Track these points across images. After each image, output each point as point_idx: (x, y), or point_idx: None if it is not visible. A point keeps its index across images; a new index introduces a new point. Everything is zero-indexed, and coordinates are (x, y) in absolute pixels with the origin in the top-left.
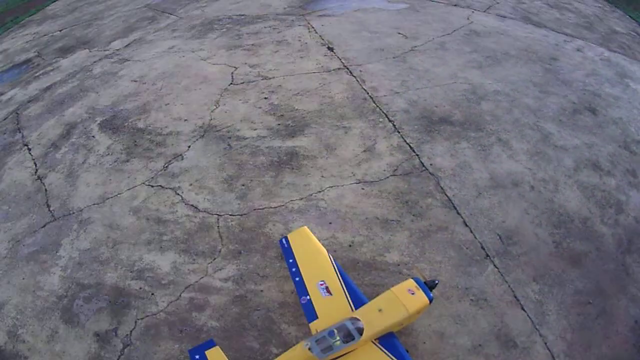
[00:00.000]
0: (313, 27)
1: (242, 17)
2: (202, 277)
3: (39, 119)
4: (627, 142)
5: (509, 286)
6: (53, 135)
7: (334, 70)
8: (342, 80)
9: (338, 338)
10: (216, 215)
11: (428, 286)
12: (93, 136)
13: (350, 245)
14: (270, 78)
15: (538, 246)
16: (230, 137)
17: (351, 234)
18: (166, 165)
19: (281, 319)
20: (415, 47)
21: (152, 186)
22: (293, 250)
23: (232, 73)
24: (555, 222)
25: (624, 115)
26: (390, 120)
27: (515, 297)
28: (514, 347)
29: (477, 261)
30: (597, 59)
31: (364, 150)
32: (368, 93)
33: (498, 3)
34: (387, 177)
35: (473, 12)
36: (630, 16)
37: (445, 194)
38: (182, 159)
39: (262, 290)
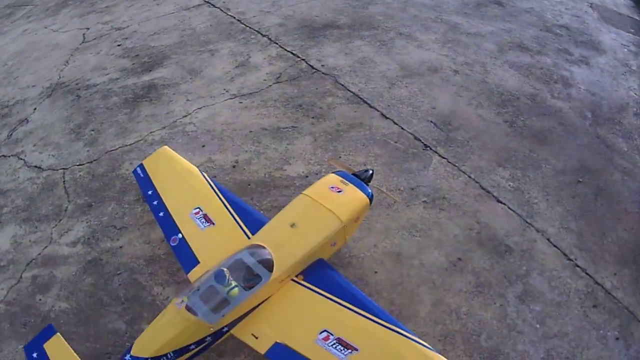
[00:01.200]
0: None
1: None
2: (45, 247)
3: None
4: (548, 26)
5: (470, 177)
6: None
7: (194, 7)
8: (204, 13)
9: (233, 283)
10: (62, 170)
11: (360, 178)
12: None
13: (234, 167)
14: (124, 28)
15: (488, 128)
16: (79, 89)
17: (233, 153)
18: (10, 133)
19: (152, 280)
20: None
21: None
22: (151, 178)
23: (83, 34)
24: (498, 102)
25: (534, 5)
26: (264, 35)
27: (483, 188)
28: (508, 252)
29: (415, 155)
30: None
31: (237, 67)
32: (235, 17)
33: None
34: (270, 86)
35: None
36: None
37: (349, 90)
38: (27, 123)
39: (121, 247)
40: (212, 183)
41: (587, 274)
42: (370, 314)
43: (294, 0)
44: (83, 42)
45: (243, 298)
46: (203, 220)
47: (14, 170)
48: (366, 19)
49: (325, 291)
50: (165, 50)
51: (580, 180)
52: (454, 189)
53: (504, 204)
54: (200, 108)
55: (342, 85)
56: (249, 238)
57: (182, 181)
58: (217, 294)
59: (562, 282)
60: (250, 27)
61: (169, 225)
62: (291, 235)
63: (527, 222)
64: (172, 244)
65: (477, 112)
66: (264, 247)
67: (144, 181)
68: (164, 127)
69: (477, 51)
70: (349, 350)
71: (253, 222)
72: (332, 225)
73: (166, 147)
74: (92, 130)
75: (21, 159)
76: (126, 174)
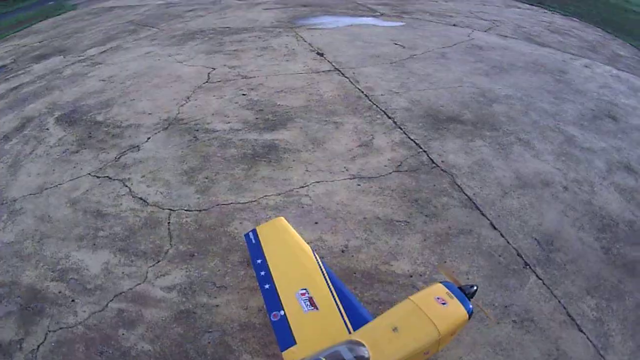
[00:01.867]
0: (302, 37)
1: (227, 29)
2: (138, 284)
3: None
4: None
5: (559, 302)
6: (7, 129)
7: (323, 72)
8: (333, 80)
9: None
10: (168, 210)
11: (464, 293)
12: (47, 128)
13: (343, 251)
14: (250, 77)
15: (585, 253)
16: (197, 130)
17: (344, 237)
18: (119, 156)
19: (242, 346)
20: (414, 55)
21: (98, 177)
22: (263, 247)
23: (209, 73)
24: (599, 226)
25: None
26: (389, 117)
27: (569, 315)
28: None
29: (515, 271)
30: (606, 75)
31: (360, 145)
32: (363, 92)
33: (498, 26)
34: (390, 173)
35: (473, 31)
36: (631, 44)
37: (464, 193)
38: (138, 150)
39: (217, 306)
40: (322, 266)
41: None
42: None
43: (423, 85)
44: (207, 82)
45: None
46: (308, 303)
47: (117, 196)
48: (489, 118)
49: None
50: (290, 112)
51: None
52: (543, 312)
53: (585, 333)
54: (319, 182)
55: (459, 186)
56: (350, 332)
57: (294, 257)
58: None
59: None
60: (377, 106)
61: (273, 300)
62: (391, 339)
63: (600, 353)
64: (273, 319)
65: (578, 235)
66: (363, 345)
67: (255, 248)
68: (280, 194)
69: (587, 168)
70: None
71: (356, 316)
72: (431, 336)
73: (282, 218)
74: (206, 178)
75: (127, 186)
76: (234, 233)
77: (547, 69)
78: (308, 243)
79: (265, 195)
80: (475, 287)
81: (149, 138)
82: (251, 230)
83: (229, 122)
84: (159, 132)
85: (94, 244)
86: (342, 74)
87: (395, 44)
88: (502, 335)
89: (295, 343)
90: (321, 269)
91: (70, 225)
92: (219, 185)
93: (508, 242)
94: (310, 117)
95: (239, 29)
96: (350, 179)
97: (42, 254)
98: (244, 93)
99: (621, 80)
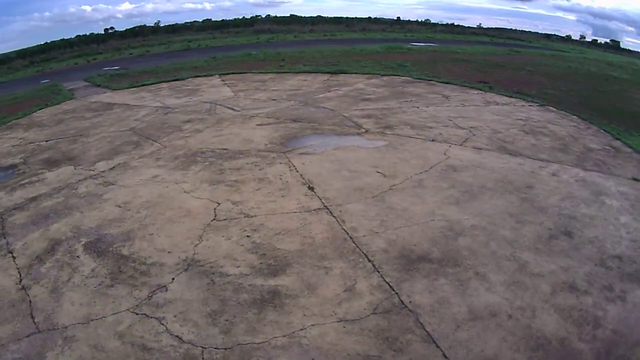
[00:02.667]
0: (294, 166)
1: (225, 151)
2: None
3: (23, 228)
4: (603, 259)
5: None
6: (38, 249)
7: (314, 210)
8: (323, 221)
9: None
10: (200, 348)
11: None
12: (78, 256)
13: None
14: (252, 216)
15: None
16: (213, 273)
17: None
18: (150, 295)
19: None
20: (394, 185)
21: (137, 314)
22: None
23: (215, 209)
24: (532, 347)
25: (599, 233)
26: (369, 260)
27: None
28: None
29: None
30: (572, 181)
31: (345, 290)
32: (348, 233)
33: (474, 135)
34: (368, 316)
35: (450, 146)
36: (604, 130)
37: (425, 329)
38: (166, 291)
39: None
40: None
41: None
42: None
43: (400, 222)
44: (214, 220)
45: None
46: None
47: (157, 332)
48: (454, 254)
49: None
50: (288, 256)
51: None
52: None
53: None
54: (314, 325)
55: (421, 324)
56: None
57: None
58: None
59: None
60: (359, 249)
61: None
62: None
63: None
64: None
65: (513, 356)
66: None
67: None
68: (285, 336)
69: (533, 294)
70: None
71: None
72: None
73: None
74: (227, 321)
75: (163, 324)
76: None
77: (515, 186)
78: None
79: (274, 337)
80: None
81: (173, 279)
82: None
83: (238, 267)
84: (180, 273)
85: None
86: (331, 212)
87: (377, 172)
88: None
89: None
90: None
91: (122, 356)
92: (237, 327)
93: None
94: (305, 262)
95: (235, 152)
96: (338, 322)
97: None
98: (248, 235)
99: (586, 185)
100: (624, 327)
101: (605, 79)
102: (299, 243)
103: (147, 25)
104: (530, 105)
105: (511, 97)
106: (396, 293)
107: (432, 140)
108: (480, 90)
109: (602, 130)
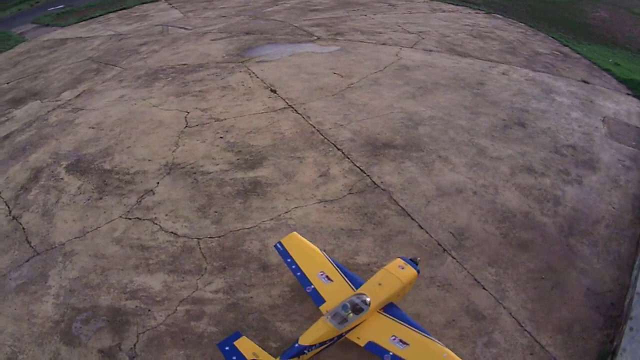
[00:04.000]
0: (254, 72)
1: (185, 66)
2: (194, 292)
3: (2, 165)
4: (557, 147)
5: (469, 272)
6: (21, 179)
7: (280, 109)
8: (289, 118)
9: (350, 311)
10: (196, 239)
11: (414, 262)
12: (62, 178)
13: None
14: (222, 120)
15: (488, 238)
16: (195, 173)
17: (322, 244)
18: (139, 200)
19: (274, 318)
20: (352, 84)
21: (130, 219)
22: (289, 251)
23: (185, 117)
24: (500, 218)
25: (552, 125)
26: (339, 149)
27: (476, 279)
28: (482, 319)
29: (437, 255)
30: (522, 80)
31: (320, 176)
32: (315, 127)
33: (423, 38)
34: (345, 196)
35: (401, 49)
36: (552, 37)
37: (399, 205)
38: (154, 194)
39: (252, 297)
40: (328, 257)
41: (531, 335)
42: (415, 328)
43: (362, 115)
44: (187, 127)
45: (354, 318)
46: (326, 278)
47: (152, 232)
48: (415, 140)
49: (394, 317)
50: (262, 151)
51: (544, 277)
52: (457, 279)
53: (487, 290)
54: (297, 207)
55: (395, 200)
56: (354, 289)
57: (310, 254)
58: (341, 315)
59: (513, 338)
60: (327, 139)
61: (304, 280)
62: (379, 289)
63: (499, 302)
64: (308, 291)
65: (483, 227)
66: (365, 295)
67: (284, 252)
68: (272, 219)
69: (494, 174)
70: (405, 345)
71: (354, 281)
72: (399, 286)
73: (295, 232)
74: (216, 212)
75: (156, 224)
76: (248, 249)
77: (467, 82)
78: None
79: (262, 221)
80: (418, 258)
81: (158, 183)
82: (277, 242)
83: (217, 164)
84: (164, 176)
85: (149, 270)
86: (296, 110)
87: (334, 73)
88: (430, 294)
89: (325, 301)
90: (327, 258)
91: (123, 258)
92: (227, 216)
93: (431, 237)
94: (279, 154)
95: (195, 66)
96: (318, 202)
97: (109, 282)
98: (221, 136)
99: (535, 83)
100: (584, 207)
101: None
102: (270, 139)
103: None
104: (476, 13)
105: (457, 4)
106: (368, 175)
107: (383, 44)
108: None
109: (550, 37)
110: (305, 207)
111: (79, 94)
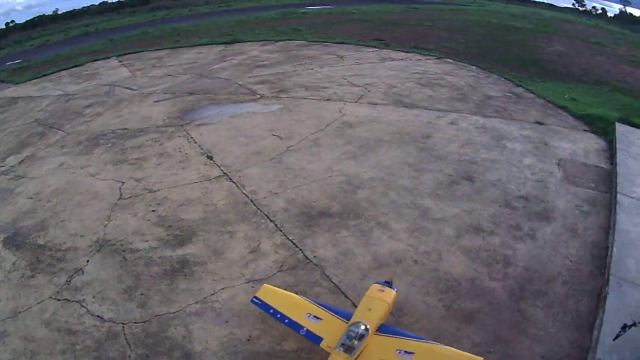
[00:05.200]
0: (192, 137)
1: (125, 130)
2: None
3: None
4: (508, 200)
5: None
6: None
7: (214, 178)
8: (223, 188)
9: (354, 339)
10: (121, 324)
11: (389, 284)
12: None
13: (248, 339)
14: (155, 191)
15: (429, 312)
16: (124, 250)
17: (248, 329)
18: (69, 279)
19: None
20: (290, 147)
21: (59, 299)
22: (268, 303)
23: (119, 188)
24: (442, 289)
25: (502, 176)
26: (271, 221)
27: None
28: None
29: None
30: (471, 128)
31: (250, 252)
32: (248, 197)
33: (369, 91)
34: (275, 274)
35: (345, 104)
36: (505, 77)
37: (332, 281)
38: (83, 273)
39: None
40: (307, 299)
41: None
42: (413, 337)
43: (298, 181)
44: (120, 198)
45: (359, 345)
46: (314, 318)
47: (79, 315)
48: (354, 206)
49: (390, 334)
50: (193, 225)
51: (491, 350)
52: None
53: None
54: (224, 288)
55: (328, 276)
56: (346, 321)
57: (290, 300)
58: (349, 345)
59: None
60: (260, 210)
61: (294, 325)
62: (370, 315)
63: None
64: (302, 334)
65: (424, 300)
66: (361, 321)
67: (264, 305)
68: (198, 302)
69: (437, 239)
70: (411, 354)
71: (343, 314)
72: (386, 307)
73: (266, 284)
74: (142, 294)
75: (84, 306)
76: (172, 336)
77: (412, 137)
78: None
79: (188, 304)
80: (391, 278)
81: (88, 261)
82: (253, 297)
83: (147, 241)
84: (94, 254)
85: (75, 356)
86: (230, 178)
87: (274, 135)
88: None
89: (322, 338)
90: (308, 300)
91: (52, 342)
92: (152, 299)
93: None
94: (210, 229)
95: (135, 131)
96: (246, 282)
97: None
98: (153, 209)
99: (485, 131)
100: (537, 264)
101: (507, 30)
102: (202, 211)
103: (46, 14)
104: (427, 59)
105: (407, 52)
106: (300, 249)
107: (327, 99)
108: (376, 47)
109: (502, 79)
110: (233, 288)
111: (23, 160)
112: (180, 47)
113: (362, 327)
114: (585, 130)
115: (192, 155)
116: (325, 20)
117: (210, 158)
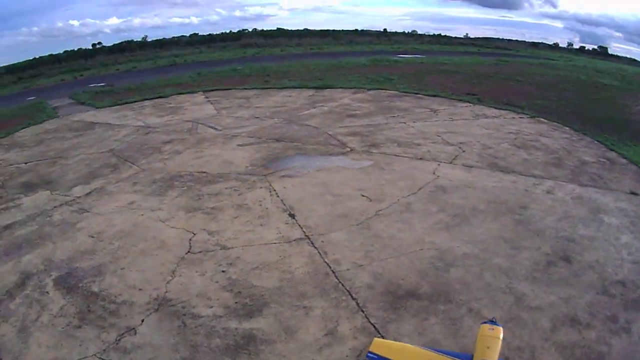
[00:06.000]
0: (275, 190)
1: (204, 174)
2: None
3: None
4: (605, 286)
5: None
6: (9, 282)
7: (295, 240)
8: (303, 253)
9: None
10: None
11: (494, 321)
12: (47, 292)
13: None
14: (228, 248)
15: None
16: (185, 314)
17: None
18: (118, 338)
19: None
20: (380, 210)
21: (103, 359)
22: (386, 356)
23: (190, 239)
24: None
25: (600, 257)
26: (353, 299)
27: None
28: None
29: None
30: (568, 199)
31: (326, 334)
32: (330, 267)
33: (464, 151)
34: None
35: (439, 164)
36: (598, 140)
37: None
38: (135, 334)
39: None
40: (422, 347)
41: None
42: None
43: (386, 252)
44: (189, 252)
45: None
46: None
47: None
48: (444, 288)
49: None
50: (265, 294)
51: None
52: None
53: None
54: None
55: None
56: None
57: (407, 351)
58: None
59: None
60: (342, 285)
61: None
62: (491, 352)
63: None
64: None
65: None
66: (487, 359)
67: (380, 359)
68: None
69: (532, 331)
70: None
71: (462, 356)
72: (499, 343)
73: (376, 338)
74: None
75: None
76: None
77: (508, 206)
78: None
79: None
80: (494, 317)
81: (143, 320)
82: (368, 352)
83: (212, 307)
84: (150, 313)
85: None
86: (312, 243)
87: (363, 195)
88: None
89: None
90: (424, 348)
91: None
92: None
93: None
94: (283, 301)
95: (214, 176)
96: None
97: None
98: (224, 270)
99: (582, 202)
100: None
101: (595, 87)
102: (277, 279)
103: (135, 40)
104: (520, 118)
105: (501, 109)
106: (382, 336)
107: (420, 158)
108: (469, 102)
109: (595, 141)
110: None
111: (90, 192)
112: (270, 88)
113: None
114: None
115: (273, 211)
116: (416, 70)
117: (292, 216)
